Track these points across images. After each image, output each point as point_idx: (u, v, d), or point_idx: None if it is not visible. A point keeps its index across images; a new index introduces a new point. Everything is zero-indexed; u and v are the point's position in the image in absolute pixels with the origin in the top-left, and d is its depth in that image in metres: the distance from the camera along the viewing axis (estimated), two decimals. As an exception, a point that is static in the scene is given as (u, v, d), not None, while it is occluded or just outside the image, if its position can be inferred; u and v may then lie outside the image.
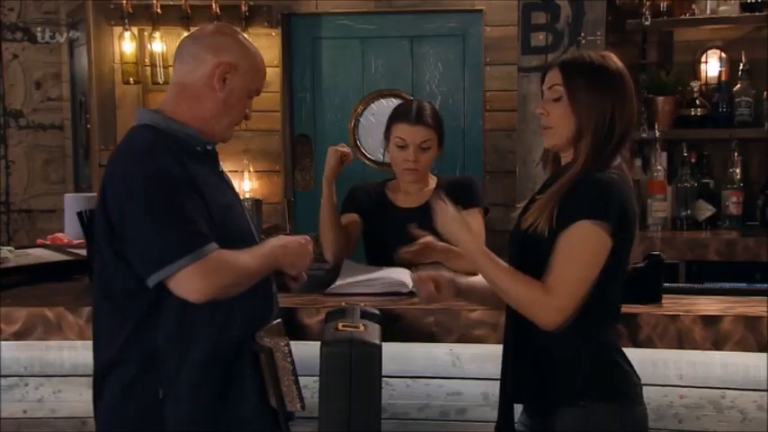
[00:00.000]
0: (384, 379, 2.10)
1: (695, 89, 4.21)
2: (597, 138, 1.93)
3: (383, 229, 2.91)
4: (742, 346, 2.19)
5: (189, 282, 1.90)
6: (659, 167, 4.08)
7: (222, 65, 2.04)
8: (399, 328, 2.27)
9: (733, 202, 4.08)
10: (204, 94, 2.05)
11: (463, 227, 2.00)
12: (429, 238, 2.41)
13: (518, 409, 2.08)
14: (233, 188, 2.18)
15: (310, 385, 2.22)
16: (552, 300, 1.89)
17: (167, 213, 1.91)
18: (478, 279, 2.19)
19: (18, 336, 2.36)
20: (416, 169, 2.85)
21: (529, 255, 1.97)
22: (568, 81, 1.95)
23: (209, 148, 2.09)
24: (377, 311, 2.22)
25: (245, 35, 2.22)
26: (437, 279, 2.13)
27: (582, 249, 1.90)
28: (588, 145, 1.93)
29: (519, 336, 2.01)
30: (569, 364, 1.96)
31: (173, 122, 2.04)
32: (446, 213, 2.02)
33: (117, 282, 1.98)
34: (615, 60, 1.98)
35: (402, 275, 2.56)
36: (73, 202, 3.51)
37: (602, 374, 1.97)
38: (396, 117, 2.88)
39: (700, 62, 4.36)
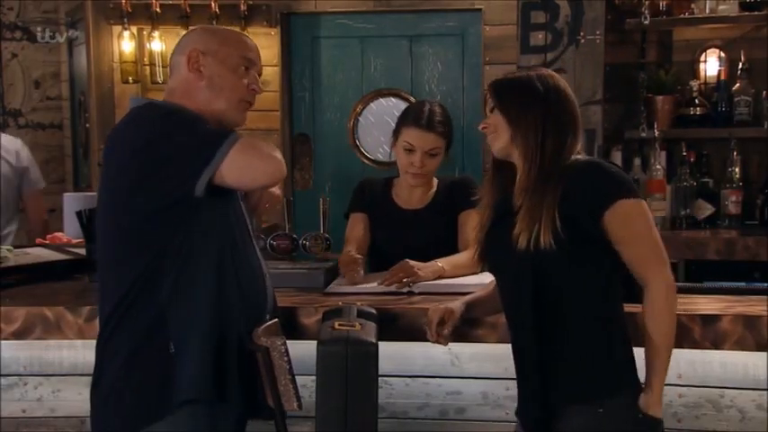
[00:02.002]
0: (383, 378, 2.10)
1: (694, 88, 4.21)
2: (530, 141, 1.99)
3: (384, 228, 2.93)
4: (741, 346, 2.19)
5: (235, 164, 1.94)
6: (658, 167, 4.08)
7: (190, 55, 2.08)
8: (398, 327, 2.27)
9: (732, 202, 4.08)
10: (189, 89, 2.09)
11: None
12: (403, 264, 2.55)
13: (513, 407, 2.08)
14: None
15: (308, 384, 2.22)
16: (661, 285, 1.94)
17: (188, 125, 1.98)
18: (478, 294, 2.24)
19: (17, 335, 2.36)
20: (422, 174, 2.86)
21: (545, 275, 1.94)
22: (498, 97, 2.05)
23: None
24: (373, 311, 2.22)
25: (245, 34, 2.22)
26: (447, 315, 2.14)
27: (643, 225, 1.94)
28: (521, 150, 2.00)
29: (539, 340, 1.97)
30: (593, 361, 1.97)
31: (170, 104, 2.08)
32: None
33: (117, 251, 2.01)
34: (548, 80, 2.03)
35: None
36: (72, 202, 3.51)
37: (621, 369, 1.99)
38: (407, 120, 2.86)
39: (699, 61, 4.37)
